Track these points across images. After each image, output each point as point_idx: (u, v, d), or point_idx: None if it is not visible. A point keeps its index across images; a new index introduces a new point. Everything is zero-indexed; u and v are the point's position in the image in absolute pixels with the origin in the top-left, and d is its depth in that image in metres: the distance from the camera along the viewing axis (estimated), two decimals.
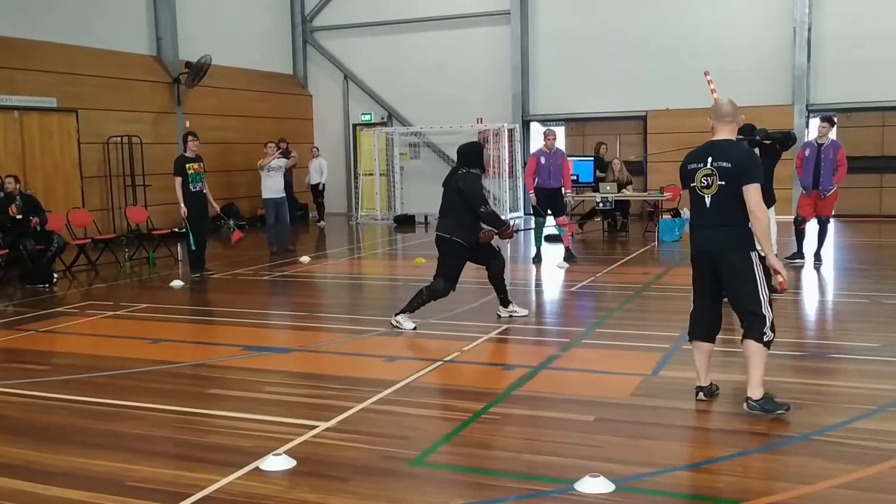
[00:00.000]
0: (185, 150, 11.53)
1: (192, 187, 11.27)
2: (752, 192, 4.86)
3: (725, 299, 5.22)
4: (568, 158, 12.67)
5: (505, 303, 8.13)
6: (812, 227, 11.18)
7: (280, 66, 21.29)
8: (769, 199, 7.38)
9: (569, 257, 11.80)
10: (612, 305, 8.81)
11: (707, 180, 4.98)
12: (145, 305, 9.30)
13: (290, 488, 4.10)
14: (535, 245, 12.14)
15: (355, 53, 21.35)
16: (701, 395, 5.32)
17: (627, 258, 12.47)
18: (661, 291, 9.55)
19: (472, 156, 7.77)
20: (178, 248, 13.40)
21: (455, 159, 8.02)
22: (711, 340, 5.24)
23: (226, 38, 18.70)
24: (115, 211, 15.71)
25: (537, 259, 12.01)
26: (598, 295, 9.65)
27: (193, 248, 11.37)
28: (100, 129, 15.51)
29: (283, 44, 21.54)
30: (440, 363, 6.47)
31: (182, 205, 11.21)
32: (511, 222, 8.39)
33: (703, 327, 5.21)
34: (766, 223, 4.91)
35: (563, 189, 11.92)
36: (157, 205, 15.95)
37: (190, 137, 11.51)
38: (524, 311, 8.18)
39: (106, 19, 16.06)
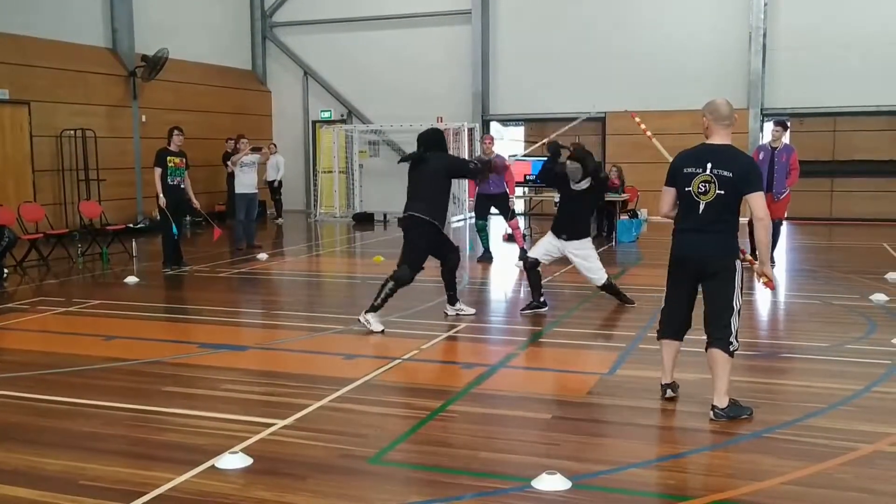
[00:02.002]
0: (168, 144, 11.63)
1: (170, 180, 11.44)
2: (758, 200, 4.85)
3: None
4: (508, 161, 12.69)
5: (452, 300, 8.15)
6: None
7: (239, 62, 21.09)
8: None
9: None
10: (569, 305, 8.88)
11: (705, 186, 4.89)
12: (98, 302, 9.15)
13: (247, 486, 4.07)
14: (483, 245, 12.29)
15: (315, 50, 21.23)
16: (669, 391, 5.36)
17: None
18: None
19: (436, 140, 7.81)
20: (133, 243, 13.22)
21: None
22: (680, 339, 5.28)
23: (184, 31, 18.47)
24: (68, 205, 15.42)
25: (485, 258, 12.13)
26: (556, 295, 9.71)
27: (176, 235, 11.40)
28: (53, 121, 15.22)
29: (242, 39, 21.34)
30: (399, 361, 6.46)
31: (161, 195, 11.33)
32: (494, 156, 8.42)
33: (674, 327, 5.23)
34: (768, 230, 4.95)
35: (507, 193, 12.01)
36: (110, 200, 15.72)
37: (175, 132, 11.66)
38: (471, 311, 8.21)
39: (60, 10, 15.75)
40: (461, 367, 6.44)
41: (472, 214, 12.91)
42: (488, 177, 7.72)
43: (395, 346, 6.97)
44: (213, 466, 4.29)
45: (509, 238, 14.11)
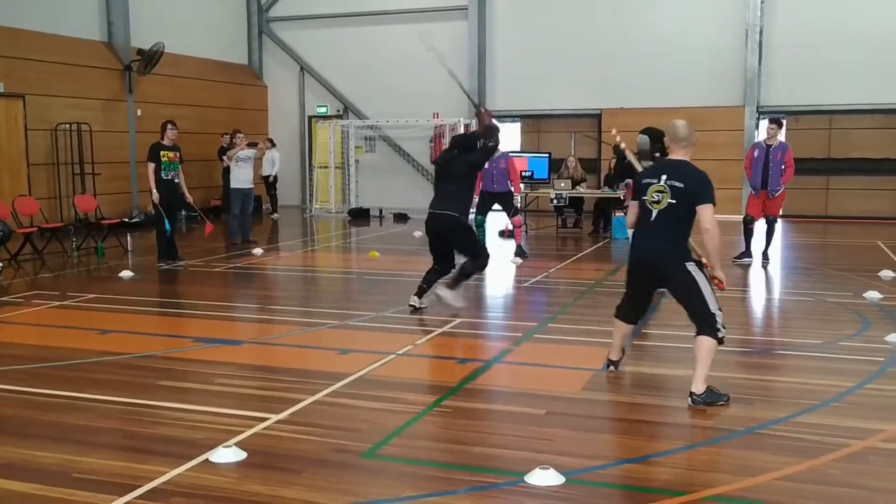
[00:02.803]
0: (162, 138, 11.54)
1: (163, 175, 11.37)
2: (706, 212, 5.12)
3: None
4: (512, 156, 12.73)
5: (420, 293, 8.17)
6: (760, 226, 11.42)
7: (235, 56, 21.04)
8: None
9: (520, 253, 11.89)
10: (564, 301, 8.89)
11: (658, 196, 5.23)
12: (93, 296, 9.14)
13: (241, 480, 4.07)
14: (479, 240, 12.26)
15: (312, 45, 21.19)
16: (612, 367, 5.87)
17: (580, 254, 12.60)
18: (614, 288, 9.61)
19: (468, 143, 8.20)
20: (128, 237, 13.20)
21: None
22: (634, 323, 5.78)
23: (180, 25, 18.41)
24: (63, 199, 15.37)
25: None
26: (551, 291, 9.74)
27: (168, 231, 11.35)
28: (48, 115, 15.17)
29: (239, 33, 21.28)
30: (393, 356, 6.47)
31: (154, 190, 11.28)
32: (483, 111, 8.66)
33: (629, 313, 5.69)
34: (719, 240, 5.20)
35: (512, 192, 12.04)
36: (106, 194, 15.69)
37: (169, 126, 11.57)
38: (426, 305, 8.19)
39: (56, 3, 15.69)
40: (456, 363, 6.44)
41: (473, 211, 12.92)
42: (497, 138, 8.13)
43: (390, 341, 6.98)
44: (207, 460, 4.29)
45: (509, 234, 14.13)
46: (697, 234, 5.27)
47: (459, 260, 8.20)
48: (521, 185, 16.28)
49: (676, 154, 5.35)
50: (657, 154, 8.03)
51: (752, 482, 4.03)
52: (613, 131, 7.96)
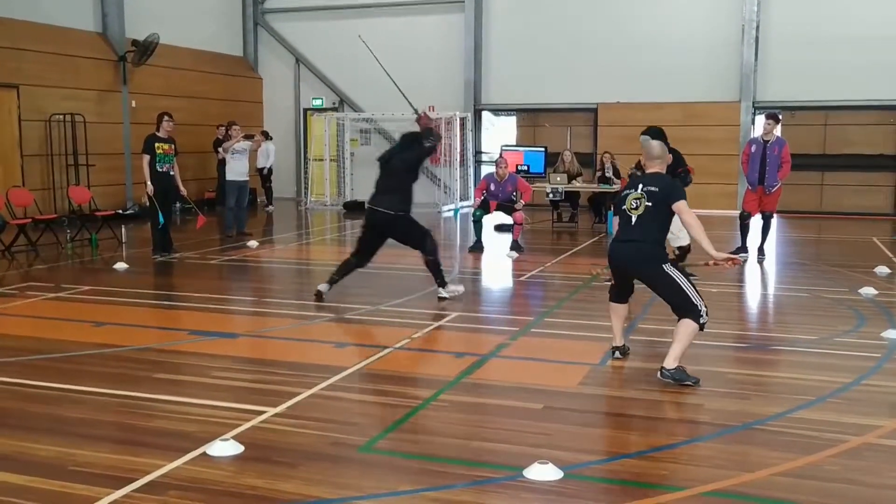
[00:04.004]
0: (157, 130, 11.47)
1: (158, 167, 11.31)
2: (681, 206, 5.58)
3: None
4: (522, 178, 12.90)
5: (332, 283, 8.34)
6: (756, 222, 11.42)
7: (230, 48, 20.95)
8: None
9: (516, 247, 11.90)
10: (560, 296, 8.88)
11: (636, 202, 5.69)
12: (88, 288, 9.10)
13: (238, 474, 4.06)
14: (476, 235, 12.30)
15: (308, 37, 21.10)
16: (617, 353, 6.11)
17: (576, 249, 12.59)
18: (610, 282, 9.64)
19: (413, 140, 8.40)
20: (122, 229, 13.15)
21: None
22: (625, 302, 6.09)
23: (174, 16, 18.30)
24: (57, 190, 15.30)
25: (476, 247, 12.15)
26: (547, 285, 9.73)
27: (162, 223, 11.29)
28: (42, 106, 15.08)
29: (234, 25, 21.19)
30: (389, 350, 6.45)
31: (148, 182, 11.22)
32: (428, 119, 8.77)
33: (619, 295, 6.08)
34: (700, 229, 5.54)
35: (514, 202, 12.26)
36: (100, 185, 15.60)
37: (165, 118, 11.49)
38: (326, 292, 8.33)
39: None
40: (452, 357, 6.43)
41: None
42: (437, 148, 8.39)
43: (386, 334, 6.97)
44: (204, 453, 4.28)
45: (505, 228, 14.20)
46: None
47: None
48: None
49: (652, 168, 5.90)
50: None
51: (749, 477, 4.03)
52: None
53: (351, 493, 3.87)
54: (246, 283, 10.14)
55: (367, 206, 8.39)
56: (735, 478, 4.02)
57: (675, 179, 5.73)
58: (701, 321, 5.44)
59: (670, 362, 5.48)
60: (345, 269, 8.43)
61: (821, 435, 4.60)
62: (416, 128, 8.55)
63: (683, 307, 5.49)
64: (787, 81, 17.53)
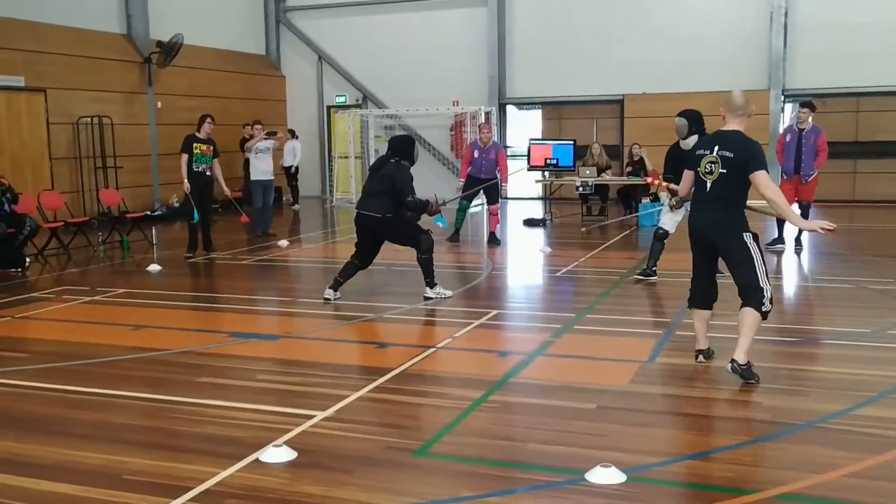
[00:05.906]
0: (198, 131, 11.61)
1: (195, 166, 11.43)
2: (760, 178, 5.17)
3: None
4: (504, 150, 13.03)
5: (336, 286, 8.25)
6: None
7: (253, 47, 20.91)
8: None
9: (492, 240, 12.04)
10: (598, 291, 8.74)
11: (710, 167, 5.33)
12: (122, 291, 9.07)
13: (294, 481, 3.97)
14: (455, 225, 12.35)
15: (330, 34, 21.03)
16: (700, 357, 5.76)
17: (608, 243, 12.43)
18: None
19: (406, 147, 8.22)
20: (153, 231, 13.14)
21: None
22: (709, 308, 5.67)
23: (198, 17, 18.28)
24: (86, 193, 15.33)
25: (454, 238, 12.21)
26: (583, 280, 9.59)
27: (196, 220, 11.34)
28: (69, 109, 15.10)
29: (256, 24, 21.15)
30: (433, 350, 6.36)
31: (185, 180, 11.32)
32: (434, 198, 8.66)
33: (701, 297, 5.64)
34: (782, 201, 5.25)
35: (500, 182, 12.30)
36: (128, 187, 15.62)
37: (207, 120, 11.67)
38: (339, 296, 8.24)
39: None
40: (497, 356, 6.32)
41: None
42: (418, 217, 8.39)
43: (428, 334, 6.88)
44: (257, 460, 4.19)
45: (535, 223, 14.32)
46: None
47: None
48: (546, 174, 16.19)
49: (731, 124, 5.39)
50: (696, 135, 7.92)
51: (820, 479, 3.89)
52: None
53: (410, 499, 3.78)
54: (278, 283, 10.08)
55: (355, 210, 8.37)
56: (805, 480, 3.89)
57: (756, 144, 5.28)
58: (763, 309, 5.18)
59: (741, 356, 5.23)
60: (348, 271, 8.33)
61: (887, 433, 4.45)
62: (410, 132, 8.49)
63: (749, 285, 5.20)
64: (816, 68, 17.25)
